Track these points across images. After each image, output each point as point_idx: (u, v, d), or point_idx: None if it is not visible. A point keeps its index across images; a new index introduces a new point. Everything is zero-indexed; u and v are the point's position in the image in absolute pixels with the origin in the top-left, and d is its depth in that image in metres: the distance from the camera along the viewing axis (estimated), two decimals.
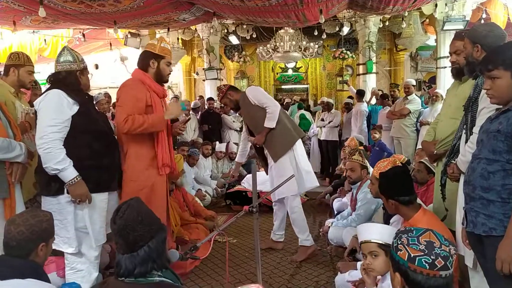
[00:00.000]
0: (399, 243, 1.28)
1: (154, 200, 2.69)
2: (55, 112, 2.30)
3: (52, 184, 2.35)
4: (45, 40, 7.44)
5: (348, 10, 7.41)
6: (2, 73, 3.04)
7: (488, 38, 2.07)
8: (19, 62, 2.87)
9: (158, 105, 2.72)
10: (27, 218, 1.74)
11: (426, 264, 1.21)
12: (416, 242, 1.25)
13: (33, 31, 7.16)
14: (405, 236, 1.28)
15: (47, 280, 1.72)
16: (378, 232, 2.06)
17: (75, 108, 2.37)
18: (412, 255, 1.23)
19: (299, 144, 3.66)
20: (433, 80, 9.82)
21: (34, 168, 3.02)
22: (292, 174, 3.05)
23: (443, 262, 1.21)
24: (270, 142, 3.60)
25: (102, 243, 2.50)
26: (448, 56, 8.18)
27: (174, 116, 2.78)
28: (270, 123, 3.53)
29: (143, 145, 2.70)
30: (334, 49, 10.50)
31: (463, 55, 2.29)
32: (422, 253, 1.22)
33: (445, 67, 8.07)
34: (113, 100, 6.94)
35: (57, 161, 2.25)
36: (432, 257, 1.21)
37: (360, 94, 7.53)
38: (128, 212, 1.39)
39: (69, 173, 2.29)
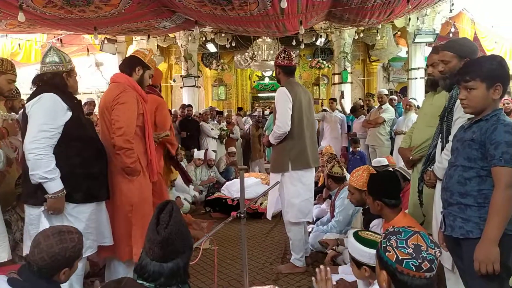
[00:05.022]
0: (388, 244, 1.35)
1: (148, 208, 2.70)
2: (48, 117, 2.21)
3: (39, 193, 2.25)
4: (19, 44, 7.24)
5: (324, 22, 7.61)
6: None
7: (475, 54, 2.23)
8: (1, 69, 2.72)
9: (147, 113, 2.74)
10: (52, 244, 1.65)
11: (413, 267, 1.29)
12: (405, 245, 1.31)
13: (6, 35, 6.98)
14: (394, 238, 1.35)
15: None
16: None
17: (68, 114, 2.30)
18: (400, 257, 1.30)
19: (291, 176, 3.29)
20: (404, 90, 10.18)
21: (14, 176, 2.97)
22: (278, 181, 3.09)
23: (429, 265, 1.29)
24: (271, 152, 3.49)
25: (86, 255, 2.42)
26: (418, 68, 8.53)
27: None
28: (271, 137, 3.34)
29: (138, 154, 2.66)
30: (310, 59, 10.72)
31: (440, 69, 2.41)
32: (410, 257, 1.29)
33: (416, 78, 8.41)
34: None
35: (48, 169, 2.17)
36: (419, 260, 1.29)
37: (335, 100, 7.76)
38: (172, 225, 1.39)
39: (56, 184, 2.21)
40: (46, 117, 2.22)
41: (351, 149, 6.54)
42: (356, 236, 2.14)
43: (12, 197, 2.93)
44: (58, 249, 1.65)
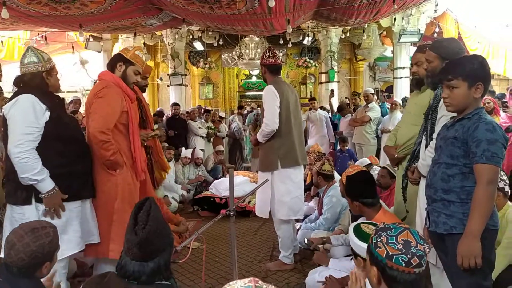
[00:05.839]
0: (378, 240, 1.38)
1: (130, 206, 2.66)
2: (30, 119, 2.21)
3: (19, 193, 2.27)
4: (2, 41, 7.11)
5: (311, 21, 7.67)
6: None
7: (458, 56, 2.25)
8: None
9: (132, 112, 2.71)
10: (28, 243, 1.63)
11: (403, 262, 1.32)
12: (395, 241, 1.35)
13: None
14: (384, 234, 1.38)
15: None
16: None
17: (47, 114, 2.28)
18: (390, 253, 1.33)
19: (280, 174, 3.32)
20: (390, 90, 10.31)
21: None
22: (267, 179, 3.11)
23: (418, 261, 1.32)
24: (260, 151, 3.50)
25: (70, 253, 2.43)
26: (404, 67, 8.61)
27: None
28: (259, 136, 3.35)
29: (121, 153, 2.64)
30: (297, 58, 10.78)
31: (424, 67, 2.46)
32: (400, 252, 1.33)
33: (401, 77, 8.53)
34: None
35: (36, 172, 2.19)
36: (408, 256, 1.32)
37: (315, 100, 7.84)
38: (150, 225, 1.37)
39: (47, 184, 2.23)
40: (27, 120, 2.21)
41: (339, 147, 6.61)
42: (356, 228, 2.21)
43: (1, 197, 2.89)
44: (36, 247, 1.64)
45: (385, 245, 1.35)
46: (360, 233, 2.17)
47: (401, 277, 1.32)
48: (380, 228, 1.42)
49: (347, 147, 6.45)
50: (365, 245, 2.01)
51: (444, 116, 2.18)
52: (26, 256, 1.62)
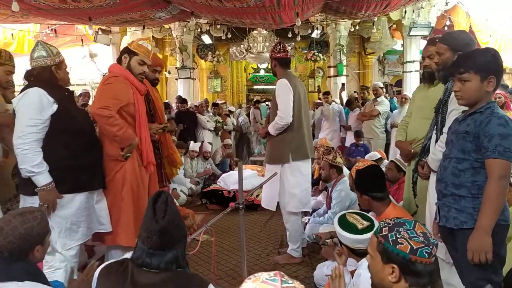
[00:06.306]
0: (398, 236, 1.34)
1: (143, 200, 2.69)
2: (35, 112, 2.25)
3: (29, 184, 2.31)
4: (12, 35, 7.16)
5: (320, 14, 7.60)
6: None
7: (469, 47, 2.24)
8: (0, 60, 2.76)
9: (140, 104, 2.72)
10: (16, 226, 1.65)
11: (426, 254, 1.31)
12: (416, 235, 1.33)
13: None
14: (402, 229, 1.35)
15: (43, 279, 1.71)
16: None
17: (54, 107, 2.32)
18: (414, 247, 1.31)
19: (291, 166, 3.36)
20: (399, 84, 10.22)
21: (10, 166, 2.97)
22: (276, 172, 3.11)
23: (436, 250, 1.33)
24: (268, 143, 3.54)
25: (79, 243, 2.48)
26: (413, 61, 8.49)
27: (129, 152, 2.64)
28: (271, 128, 3.36)
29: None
30: (306, 51, 10.72)
31: (435, 60, 2.43)
32: (423, 245, 1.31)
33: (411, 71, 8.43)
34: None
35: (34, 164, 2.22)
36: (430, 246, 1.32)
37: (329, 94, 7.78)
38: (170, 214, 1.41)
39: (44, 178, 2.26)
40: (33, 112, 2.25)
41: (353, 141, 6.59)
42: (341, 219, 2.33)
43: (12, 187, 2.93)
44: (24, 230, 1.66)
45: (408, 240, 1.32)
46: (344, 224, 2.30)
47: (424, 269, 1.31)
48: (394, 224, 1.38)
49: (361, 142, 6.42)
50: (348, 234, 2.27)
51: (454, 110, 2.16)
52: (16, 239, 1.64)
